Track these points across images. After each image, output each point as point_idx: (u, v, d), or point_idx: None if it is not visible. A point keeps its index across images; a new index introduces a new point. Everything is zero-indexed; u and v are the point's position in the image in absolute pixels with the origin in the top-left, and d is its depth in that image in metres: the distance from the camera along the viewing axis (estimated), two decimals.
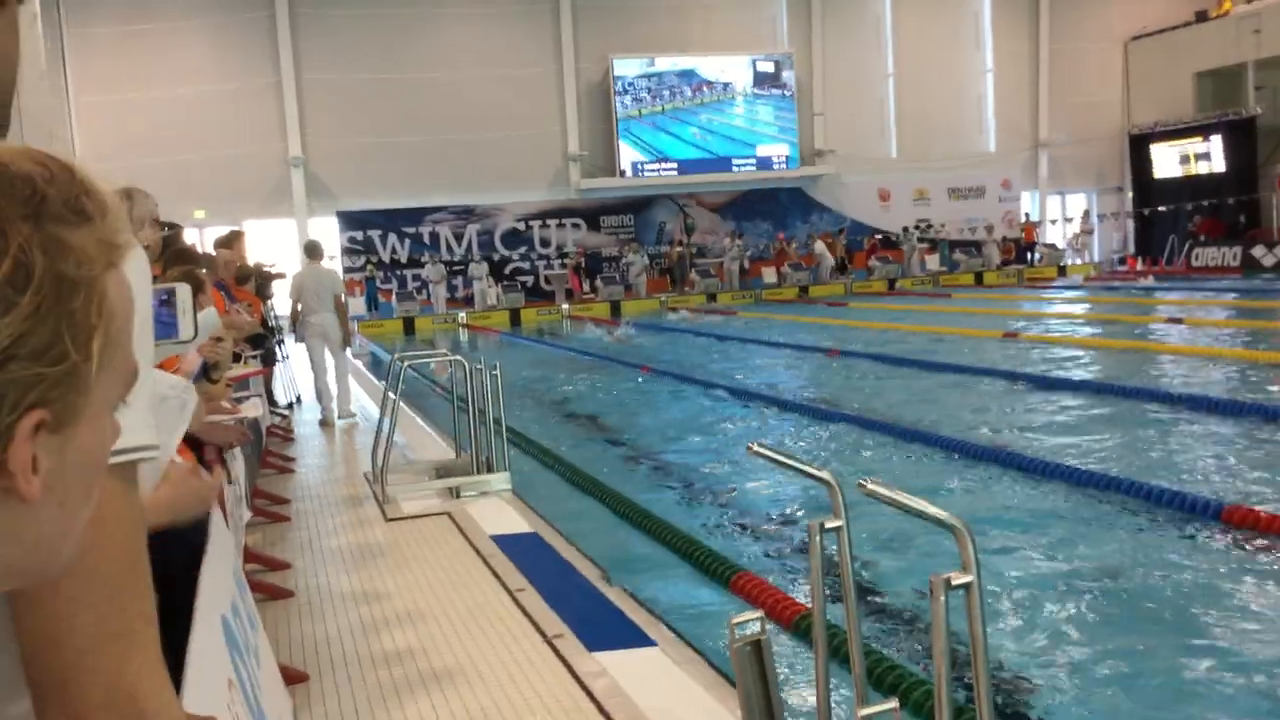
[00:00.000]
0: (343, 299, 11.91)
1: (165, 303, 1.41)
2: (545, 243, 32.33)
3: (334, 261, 30.61)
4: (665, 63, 33.00)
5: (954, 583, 2.58)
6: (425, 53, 30.74)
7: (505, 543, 6.42)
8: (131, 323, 0.76)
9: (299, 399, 13.78)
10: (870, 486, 2.73)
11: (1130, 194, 37.30)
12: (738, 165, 33.78)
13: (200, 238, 20.33)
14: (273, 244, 25.42)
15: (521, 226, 32.13)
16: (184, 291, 1.39)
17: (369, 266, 30.64)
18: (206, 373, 3.83)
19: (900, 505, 2.72)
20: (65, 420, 0.70)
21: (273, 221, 29.49)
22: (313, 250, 12.23)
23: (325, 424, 11.89)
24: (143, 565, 1.02)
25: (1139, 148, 36.47)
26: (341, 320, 11.79)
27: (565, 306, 29.68)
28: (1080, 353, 14.99)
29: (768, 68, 33.74)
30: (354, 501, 8.07)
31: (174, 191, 20.42)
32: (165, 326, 1.37)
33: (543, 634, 4.88)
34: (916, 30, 34.88)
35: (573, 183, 32.62)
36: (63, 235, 0.69)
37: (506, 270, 31.70)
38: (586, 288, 31.09)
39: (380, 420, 8.57)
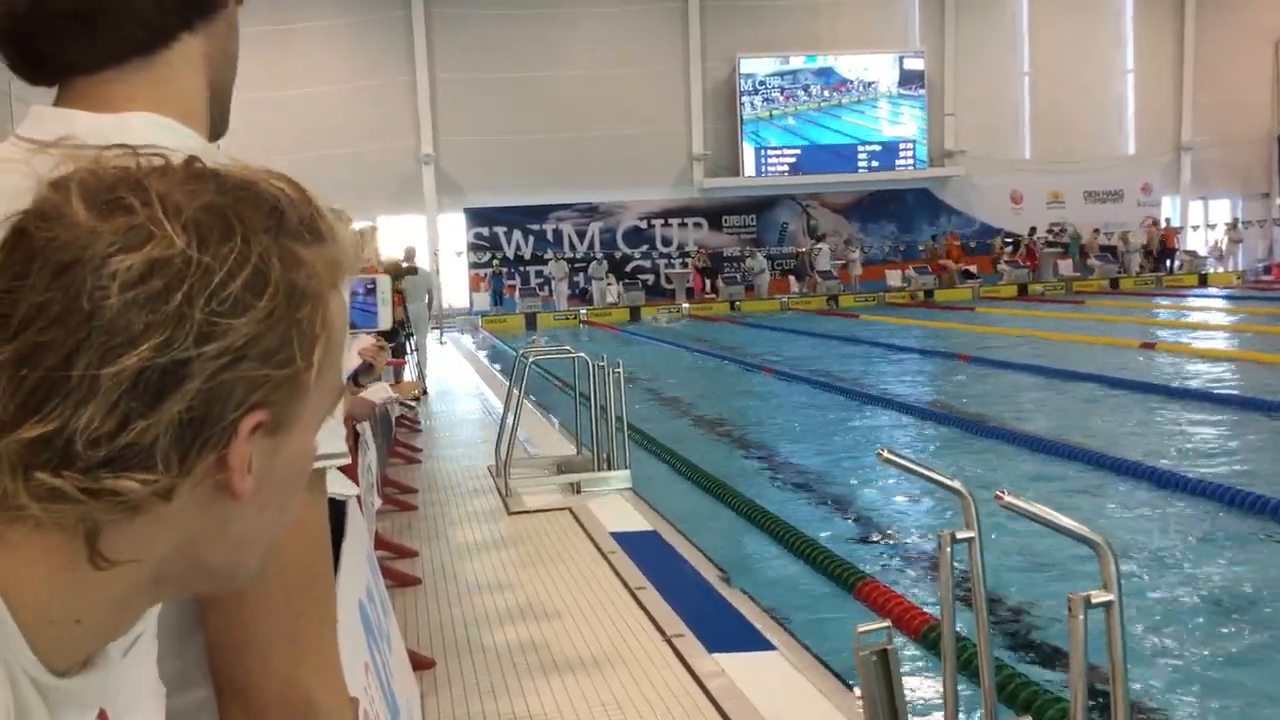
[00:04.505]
0: (434, 294, 15.01)
1: (369, 291, 1.39)
2: (667, 241, 32.42)
3: (461, 257, 31.28)
4: (800, 61, 32.73)
5: (1094, 601, 2.51)
6: (553, 52, 31.10)
7: (625, 540, 6.45)
8: (345, 342, 0.79)
9: (425, 391, 14.09)
10: (1008, 499, 2.67)
11: (1278, 200, 35.61)
12: (863, 164, 33.32)
13: None
14: (404, 239, 26.04)
15: (644, 225, 32.27)
16: (385, 283, 1.39)
17: (495, 263, 31.14)
18: (355, 376, 3.94)
19: (1040, 519, 2.65)
20: (282, 424, 0.73)
21: (404, 217, 30.21)
22: (410, 255, 14.89)
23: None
24: (325, 570, 1.05)
25: None
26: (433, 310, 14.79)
27: (685, 306, 29.70)
28: (1222, 365, 14.38)
29: (916, 65, 33.13)
30: (478, 493, 8.22)
31: (310, 186, 21.04)
32: (366, 315, 1.36)
33: (662, 632, 4.89)
34: (1054, 28, 33.88)
35: (695, 182, 32.62)
36: (297, 249, 0.73)
37: (628, 268, 31.88)
38: (707, 287, 31.05)
39: (504, 415, 8.70)
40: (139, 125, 1.01)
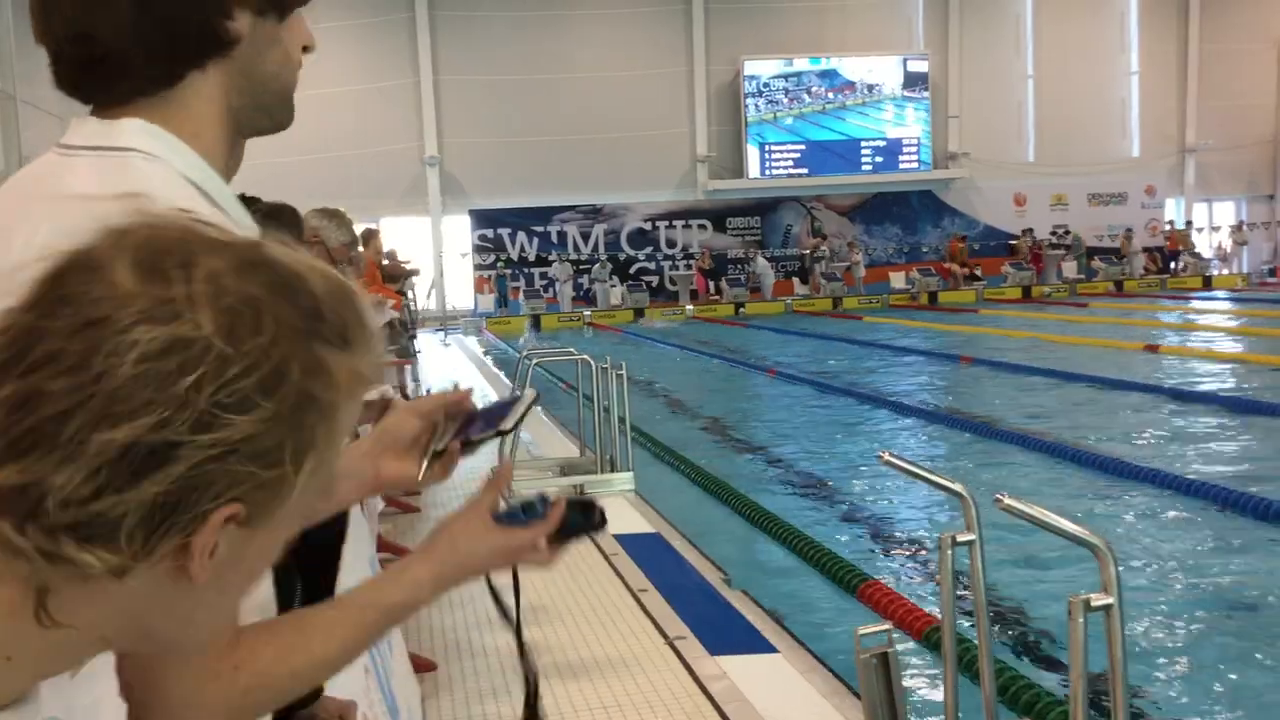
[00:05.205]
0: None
1: (506, 403, 1.36)
2: (671, 243, 32.41)
3: (465, 259, 31.34)
4: (804, 63, 32.74)
5: (1094, 604, 2.51)
6: (558, 54, 31.12)
7: (628, 542, 6.45)
8: (344, 444, 0.79)
9: (429, 392, 14.09)
10: (1008, 502, 2.67)
11: None
12: (867, 166, 33.31)
13: None
14: (408, 241, 26.08)
15: (648, 227, 32.27)
16: (529, 398, 1.37)
17: (499, 264, 31.17)
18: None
19: (1039, 522, 2.65)
20: (257, 520, 0.72)
21: (408, 219, 30.26)
22: (391, 256, 14.57)
23: None
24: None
25: None
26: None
27: (689, 308, 29.72)
28: (1226, 368, 14.36)
29: (920, 67, 33.08)
30: None
31: (315, 188, 21.10)
32: (489, 418, 1.32)
33: (664, 635, 4.89)
34: (1058, 31, 33.85)
35: (700, 184, 32.63)
36: (324, 357, 0.73)
37: (632, 270, 31.89)
38: (711, 289, 31.07)
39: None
40: (128, 129, 1.11)
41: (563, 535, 1.26)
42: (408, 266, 13.66)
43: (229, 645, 1.05)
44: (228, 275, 0.70)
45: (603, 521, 1.29)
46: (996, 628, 5.25)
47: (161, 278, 0.68)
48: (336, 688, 2.43)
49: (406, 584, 1.19)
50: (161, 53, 1.12)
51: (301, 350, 0.71)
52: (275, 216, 4.98)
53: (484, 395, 14.06)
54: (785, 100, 32.68)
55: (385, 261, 12.33)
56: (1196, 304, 26.00)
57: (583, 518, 1.27)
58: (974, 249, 32.63)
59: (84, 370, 0.65)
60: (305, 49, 1.30)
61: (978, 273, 31.54)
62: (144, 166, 1.09)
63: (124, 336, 0.65)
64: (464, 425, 1.35)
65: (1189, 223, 34.46)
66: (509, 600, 1.38)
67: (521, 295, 30.18)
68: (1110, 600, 2.51)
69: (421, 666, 4.52)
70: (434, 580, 1.20)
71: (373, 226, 11.88)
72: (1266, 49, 34.98)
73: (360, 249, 9.51)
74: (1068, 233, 33.30)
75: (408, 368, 13.01)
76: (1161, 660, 4.99)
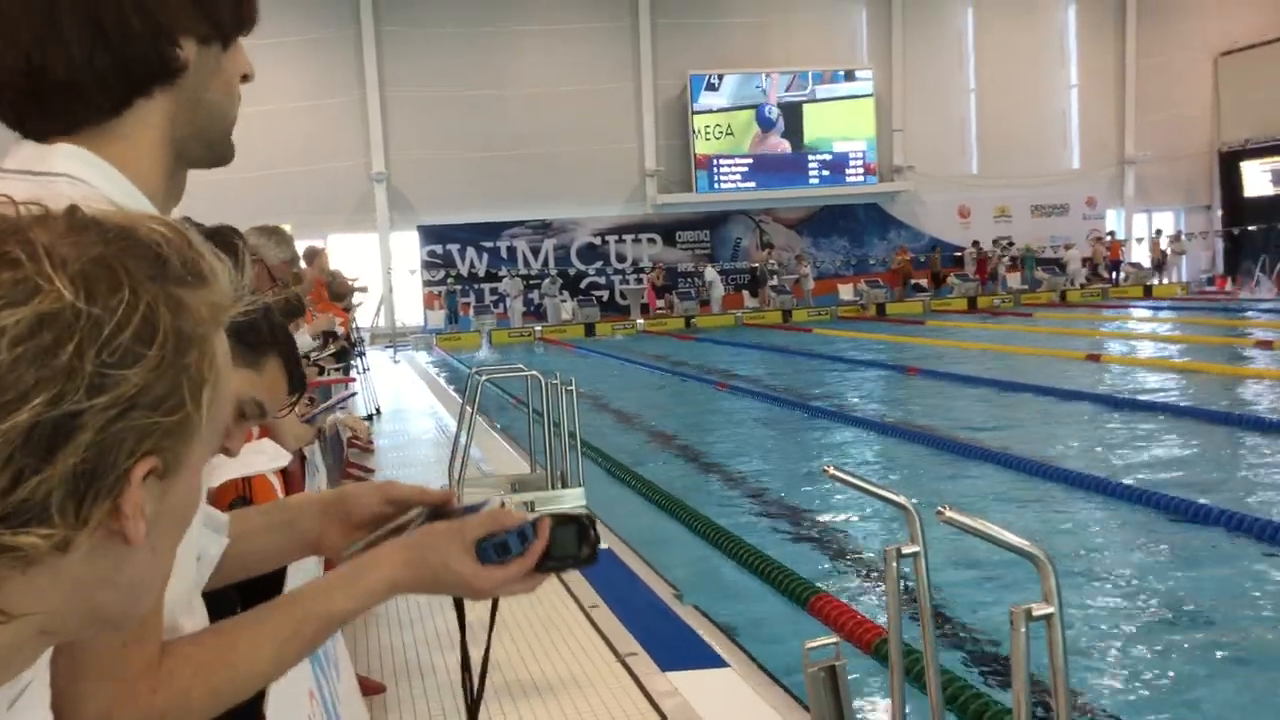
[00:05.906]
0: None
1: (476, 506, 1.26)
2: (621, 258, 32.46)
3: (414, 275, 31.16)
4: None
5: (1035, 614, 2.54)
6: (506, 69, 31.09)
7: None
8: (230, 382, 0.80)
9: (378, 410, 13.98)
10: (949, 514, 2.70)
11: (1219, 212, 36.33)
12: (814, 179, 33.60)
13: None
14: (356, 258, 25.86)
15: (598, 242, 32.31)
16: (496, 503, 1.27)
17: (449, 280, 31.02)
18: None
19: (980, 534, 2.68)
20: (172, 468, 0.74)
21: (356, 236, 30.03)
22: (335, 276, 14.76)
23: None
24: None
25: (1229, 165, 35.52)
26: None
27: (640, 321, 29.76)
28: (1166, 375, 14.63)
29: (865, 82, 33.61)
30: None
31: (261, 206, 20.87)
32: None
33: (615, 652, 4.88)
34: (999, 45, 34.41)
35: (649, 198, 32.72)
36: (181, 295, 0.74)
37: (582, 285, 31.89)
38: (661, 303, 31.14)
39: (457, 433, 8.64)
40: (61, 154, 1.11)
41: (548, 565, 1.19)
42: (355, 284, 13.53)
43: (149, 666, 1.05)
44: (64, 243, 0.70)
45: (593, 555, 1.21)
46: (948, 635, 5.29)
47: (5, 261, 0.68)
48: (279, 715, 2.40)
49: (360, 592, 1.15)
50: (113, 82, 1.12)
51: (161, 294, 0.72)
52: (215, 238, 4.90)
53: (432, 412, 14.00)
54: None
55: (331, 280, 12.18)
56: (1137, 313, 26.47)
57: (575, 546, 1.20)
58: (920, 261, 33.03)
59: None
60: (244, 78, 1.29)
61: (923, 283, 31.84)
62: (69, 192, 1.08)
63: None
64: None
65: (1159, 231, 35.14)
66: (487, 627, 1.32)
67: (472, 311, 30.05)
68: (1051, 610, 2.54)
69: (370, 689, 4.47)
70: (389, 590, 1.17)
71: (317, 244, 11.79)
72: (1202, 60, 35.75)
73: (304, 265, 9.43)
74: (1011, 244, 33.80)
75: (358, 383, 12.89)
76: (1108, 667, 5.05)
